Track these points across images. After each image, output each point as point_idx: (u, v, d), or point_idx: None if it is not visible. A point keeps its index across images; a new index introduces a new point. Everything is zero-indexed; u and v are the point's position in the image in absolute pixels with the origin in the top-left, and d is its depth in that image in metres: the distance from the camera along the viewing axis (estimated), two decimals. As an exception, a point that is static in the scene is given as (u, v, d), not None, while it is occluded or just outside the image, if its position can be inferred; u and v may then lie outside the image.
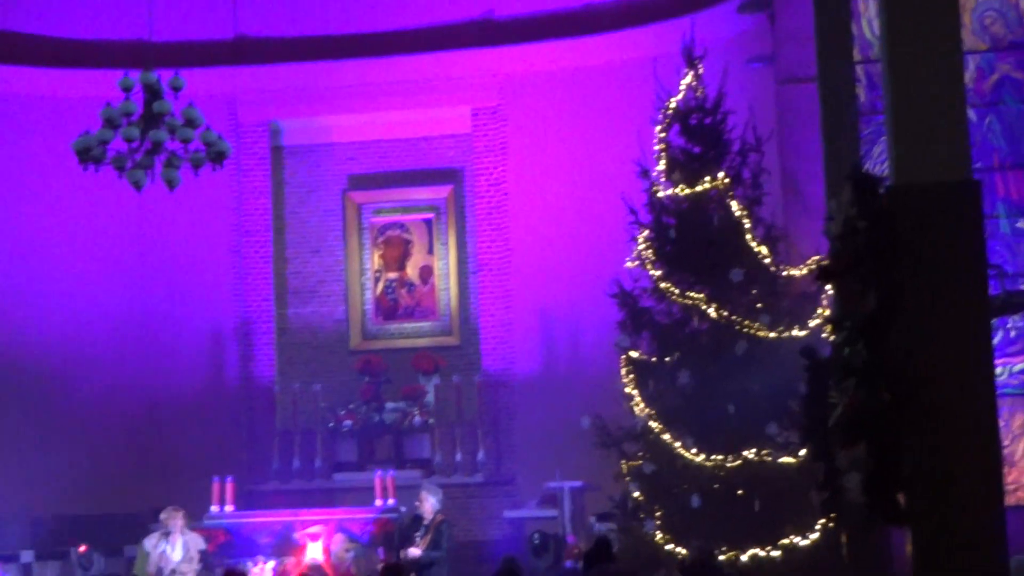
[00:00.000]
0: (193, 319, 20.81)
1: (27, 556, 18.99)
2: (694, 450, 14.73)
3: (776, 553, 14.28)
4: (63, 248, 20.42)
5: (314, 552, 16.71)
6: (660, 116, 15.84)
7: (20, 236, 20.36)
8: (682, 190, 15.54)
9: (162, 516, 16.06)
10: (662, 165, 15.75)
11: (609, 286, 15.85)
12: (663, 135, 15.81)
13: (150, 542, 16.04)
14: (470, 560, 17.31)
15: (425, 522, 15.26)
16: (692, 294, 15.21)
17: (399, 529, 16.20)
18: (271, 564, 16.60)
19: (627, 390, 15.39)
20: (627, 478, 15.41)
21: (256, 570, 16.35)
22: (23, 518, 19.16)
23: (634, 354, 15.52)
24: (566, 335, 19.94)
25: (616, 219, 16.42)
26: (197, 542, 15.99)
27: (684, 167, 15.65)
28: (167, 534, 15.87)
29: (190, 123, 12.75)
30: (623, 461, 15.45)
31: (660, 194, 15.75)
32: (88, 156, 12.61)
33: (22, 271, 20.29)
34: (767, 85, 17.94)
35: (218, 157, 12.84)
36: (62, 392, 20.02)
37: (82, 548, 18.03)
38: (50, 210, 20.34)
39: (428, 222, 21.44)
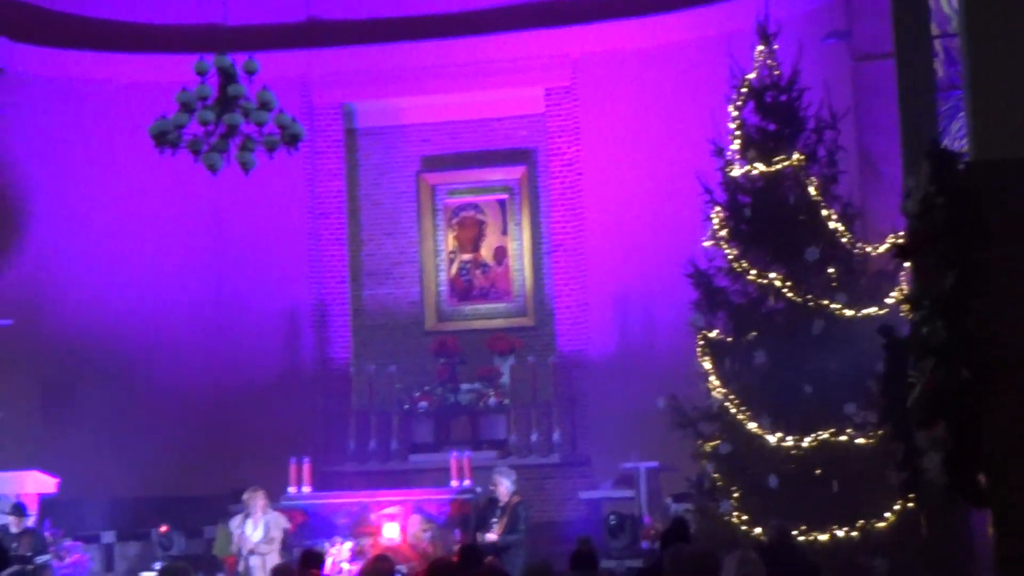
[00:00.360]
0: (269, 302, 20.94)
1: (108, 537, 19.23)
2: (771, 430, 14.64)
3: (854, 534, 14.17)
4: (141, 232, 20.60)
5: (391, 533, 16.78)
6: (734, 94, 15.71)
7: (100, 221, 20.56)
8: (757, 168, 15.41)
9: (244, 497, 16.21)
10: (737, 143, 15.62)
11: (684, 265, 15.76)
12: (738, 113, 15.68)
13: (234, 523, 16.18)
14: (545, 541, 17.29)
15: (500, 504, 15.32)
16: (768, 273, 15.09)
17: (475, 510, 16.25)
18: (348, 544, 16.69)
19: (703, 370, 15.32)
20: (703, 458, 15.34)
21: (333, 551, 16.43)
22: (105, 499, 19.38)
23: (710, 334, 15.43)
24: (641, 315, 19.87)
25: (691, 198, 16.31)
26: (280, 522, 16.09)
27: (759, 145, 15.52)
28: (248, 515, 15.99)
29: (264, 106, 12.79)
30: (699, 441, 15.37)
31: (735, 173, 15.63)
32: (164, 140, 12.68)
33: (102, 256, 20.49)
34: (843, 61, 17.77)
35: (292, 140, 12.88)
36: (142, 376, 20.22)
37: (163, 528, 18.22)
38: (128, 194, 20.53)
39: (502, 203, 21.43)
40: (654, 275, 19.00)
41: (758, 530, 14.16)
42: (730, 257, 15.37)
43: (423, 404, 20.40)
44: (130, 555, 19.16)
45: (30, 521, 16.64)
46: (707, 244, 15.65)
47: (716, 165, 15.79)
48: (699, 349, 15.41)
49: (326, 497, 18.07)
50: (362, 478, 19.50)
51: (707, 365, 15.28)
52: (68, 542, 17.69)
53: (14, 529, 16.08)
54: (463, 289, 21.47)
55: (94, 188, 20.59)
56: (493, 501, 15.54)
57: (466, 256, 21.51)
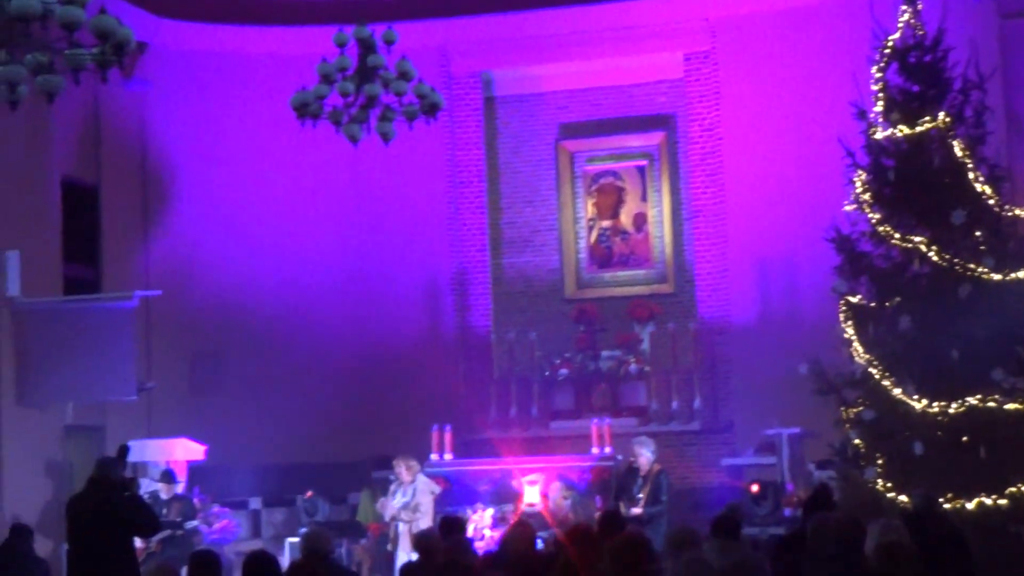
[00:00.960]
0: (410, 271, 21.09)
1: (255, 503, 19.56)
2: (916, 396, 14.43)
3: (1003, 502, 13.93)
4: (284, 203, 20.86)
5: (532, 498, 16.83)
6: (877, 55, 15.45)
7: (243, 193, 20.86)
8: (901, 131, 15.16)
9: (394, 463, 16.36)
10: (880, 105, 15.37)
11: (826, 230, 15.57)
12: (881, 75, 15.42)
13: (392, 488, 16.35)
14: (686, 508, 17.25)
15: (642, 474, 15.30)
16: (912, 237, 14.85)
17: (616, 478, 16.25)
18: (490, 511, 16.79)
19: (846, 336, 15.14)
20: (847, 425, 15.18)
21: (475, 517, 16.55)
22: (251, 467, 19.71)
23: (853, 299, 15.24)
24: (783, 280, 19.67)
25: (833, 162, 16.09)
26: (429, 487, 16.19)
27: (903, 107, 15.26)
28: (396, 481, 16.13)
29: (403, 76, 12.85)
30: (842, 408, 15.21)
31: (878, 135, 15.39)
32: (305, 112, 12.81)
33: (247, 227, 20.79)
34: (989, 19, 17.39)
35: (431, 109, 12.94)
36: (287, 345, 20.50)
37: (308, 494, 18.45)
38: (271, 166, 20.79)
39: (641, 169, 21.34)
40: (796, 240, 18.79)
41: (903, 497, 13.98)
42: (873, 221, 15.16)
43: (563, 371, 20.43)
44: (276, 521, 19.47)
45: (180, 488, 16.98)
46: (850, 208, 15.45)
47: (859, 128, 15.56)
48: (842, 315, 15.24)
49: (468, 464, 18.21)
50: (503, 445, 19.57)
51: (850, 331, 15.11)
52: (216, 508, 18.02)
53: (164, 495, 16.42)
54: (603, 256, 21.43)
55: (238, 160, 20.88)
56: (634, 470, 15.53)
57: (605, 223, 21.46)
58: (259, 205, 20.83)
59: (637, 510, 15.00)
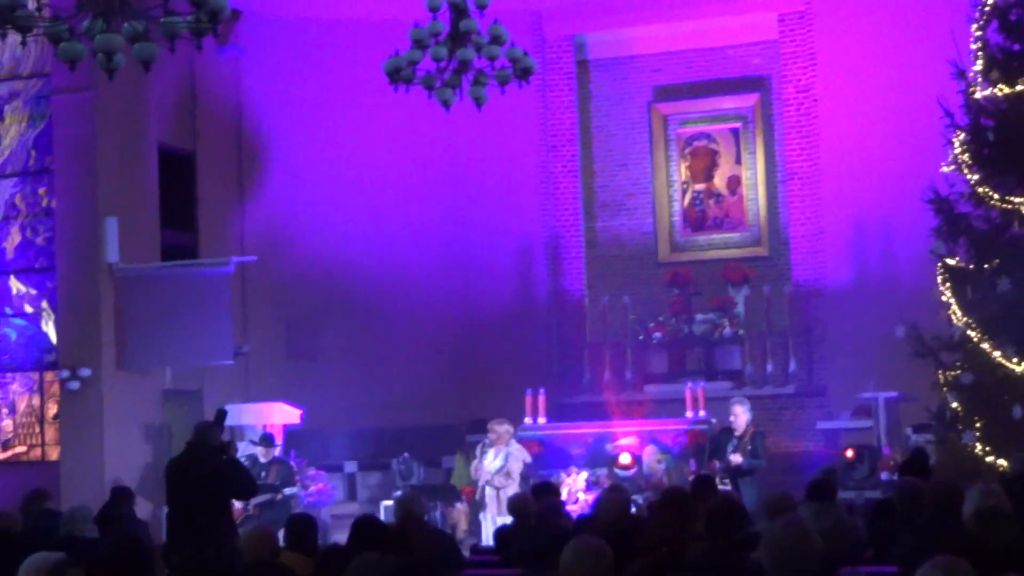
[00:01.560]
0: (504, 235, 21.11)
1: (351, 467, 19.71)
2: (1015, 359, 14.24)
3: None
4: (378, 169, 20.92)
5: (626, 463, 16.79)
6: (977, 12, 15.22)
7: (337, 158, 20.94)
8: (1001, 90, 14.94)
9: (488, 426, 16.40)
10: (979, 64, 15.16)
11: (924, 192, 15.39)
12: (980, 33, 15.19)
13: (477, 449, 16.39)
14: (780, 471, 17.14)
15: (738, 435, 15.22)
16: (1012, 198, 14.65)
17: (710, 441, 16.18)
18: (584, 475, 16.80)
19: (944, 299, 14.98)
20: (944, 388, 15.04)
21: (569, 480, 16.57)
22: (347, 431, 19.86)
23: (951, 261, 15.07)
24: (879, 243, 19.46)
25: (931, 123, 15.88)
26: (520, 455, 16.22)
27: (1003, 66, 15.03)
28: (489, 445, 16.17)
29: (496, 40, 12.82)
30: (940, 371, 15.07)
31: (977, 95, 15.18)
32: (398, 77, 12.83)
33: (341, 192, 20.88)
34: (1092, -25, 17.00)
35: (524, 73, 12.90)
36: (381, 310, 20.60)
37: (403, 456, 18.52)
38: (364, 131, 20.86)
39: (735, 132, 21.18)
40: (893, 202, 18.57)
41: (1001, 461, 13.83)
42: (972, 182, 14.97)
43: (657, 335, 20.37)
44: (371, 484, 19.61)
45: (277, 451, 17.15)
46: (948, 169, 15.27)
47: (958, 88, 15.36)
48: (940, 277, 15.08)
49: (561, 428, 18.22)
50: (597, 409, 19.58)
51: (948, 293, 14.94)
52: (312, 471, 18.20)
53: (263, 459, 16.58)
54: (696, 219, 21.32)
55: (331, 126, 20.97)
56: (729, 431, 15.44)
57: (699, 186, 21.34)
58: (353, 171, 20.91)
59: (737, 458, 14.85)
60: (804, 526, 6.12)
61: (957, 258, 15.11)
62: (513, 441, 16.29)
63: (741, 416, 15.32)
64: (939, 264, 15.10)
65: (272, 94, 21.01)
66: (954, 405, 14.79)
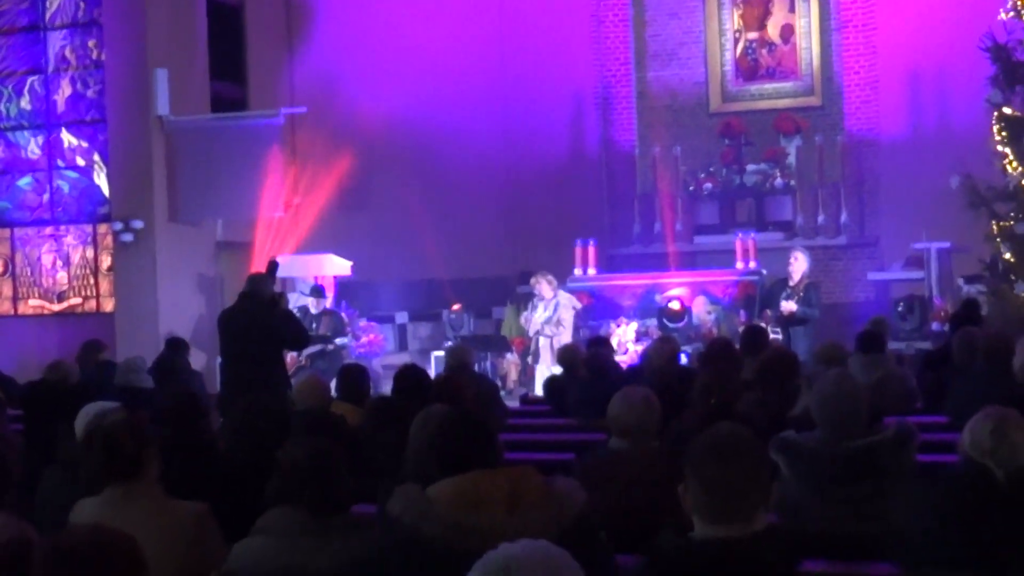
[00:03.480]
0: (553, 85, 20.95)
1: (402, 317, 19.85)
2: (1071, 209, 14.11)
3: None
4: (428, 20, 20.72)
5: (675, 308, 16.75)
6: None
7: (387, 9, 20.74)
8: (1062, -66, 14.59)
9: (531, 280, 16.45)
10: (1040, -92, 14.79)
11: (981, 40, 15.13)
12: None
13: (530, 305, 16.47)
14: (832, 322, 17.13)
15: (792, 284, 14.97)
16: (1072, 45, 14.39)
17: (761, 291, 16.12)
18: (634, 325, 16.85)
19: (999, 148, 14.80)
20: (997, 239, 14.93)
21: (619, 331, 16.63)
22: (398, 282, 19.98)
23: (1007, 111, 14.88)
24: (934, 92, 19.20)
25: (989, -32, 15.57)
26: (570, 302, 16.27)
27: (1064, -91, 14.66)
28: (540, 298, 16.24)
29: None
30: (993, 221, 14.95)
31: (1037, -61, 14.84)
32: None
33: (390, 45, 20.71)
34: None
35: (573, -80, 12.72)
36: (432, 162, 20.54)
37: (455, 307, 18.63)
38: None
39: (789, -22, 20.84)
40: (948, 50, 18.26)
41: (1055, 312, 13.76)
42: (1030, 29, 14.70)
43: (708, 186, 20.28)
44: (422, 335, 19.76)
45: (328, 302, 17.27)
46: (1006, 16, 14.98)
47: (1017, -68, 15.01)
48: (995, 127, 14.90)
49: (611, 279, 18.24)
50: (647, 260, 19.58)
51: (1003, 143, 14.76)
52: (364, 322, 18.34)
53: (314, 310, 16.72)
54: (748, 69, 21.07)
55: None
56: (783, 281, 15.19)
57: (752, 35, 21.05)
58: (402, 22, 20.72)
59: (791, 305, 14.59)
60: (854, 377, 6.13)
61: (1013, 107, 14.89)
62: (560, 291, 16.31)
63: (798, 264, 14.94)
64: (995, 113, 14.91)
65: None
66: (1007, 256, 14.71)
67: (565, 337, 15.65)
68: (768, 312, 15.04)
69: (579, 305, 16.52)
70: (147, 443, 5.46)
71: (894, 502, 5.58)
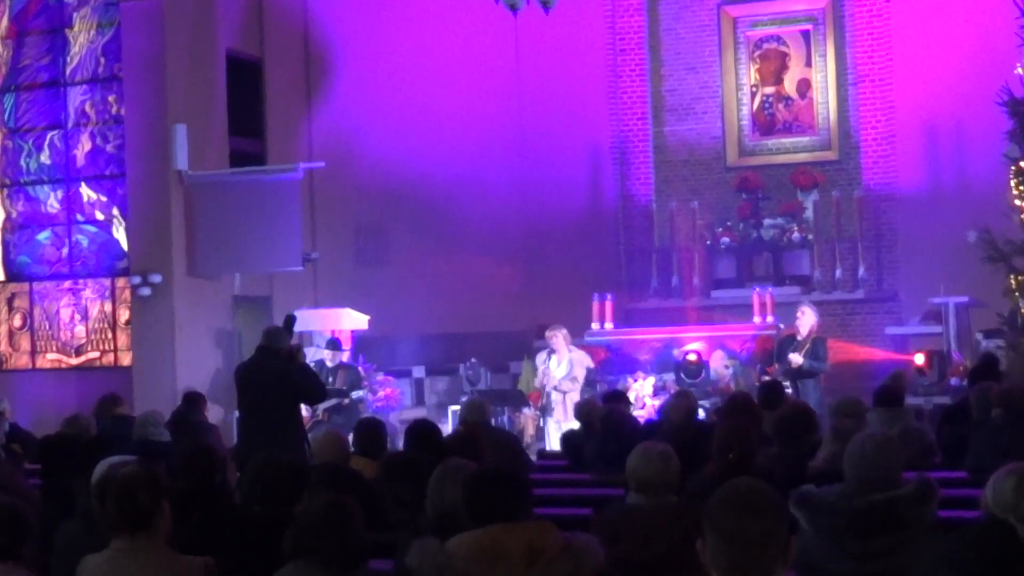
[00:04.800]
0: (572, 140, 21.01)
1: (419, 372, 19.81)
2: (1089, 264, 14.08)
3: None
4: (445, 74, 20.79)
5: (691, 358, 16.75)
6: (1054, -90, 14.89)
7: (404, 65, 20.81)
8: (1077, -11, 14.63)
9: (547, 334, 16.44)
10: (1056, -37, 14.84)
11: (998, 94, 15.15)
12: (1057, -69, 14.86)
13: (539, 359, 16.46)
14: (849, 377, 17.09)
15: (799, 338, 15.11)
16: (1088, 100, 14.40)
17: (778, 346, 16.11)
18: (651, 380, 16.82)
19: (1016, 203, 14.79)
20: (1016, 293, 14.89)
21: (636, 386, 16.60)
22: (415, 337, 19.95)
23: (1024, 164, 14.86)
24: (951, 146, 19.23)
25: (1006, 22, 15.63)
26: (583, 360, 16.27)
27: (1080, -36, 14.71)
28: (552, 351, 16.22)
29: (561, -58, 12.70)
30: (1012, 276, 14.91)
31: (1053, -6, 14.88)
32: (464, -19, 12.74)
33: (408, 99, 20.78)
34: None
35: (590, -24, 12.78)
36: (449, 215, 20.58)
37: (471, 361, 18.57)
38: (431, 37, 20.72)
39: (806, 34, 20.90)
40: (966, 105, 18.30)
41: (1074, 367, 13.70)
42: (1047, 84, 14.72)
43: (725, 240, 20.28)
44: (439, 389, 19.71)
45: (345, 356, 17.27)
46: (1023, 71, 15.00)
47: (1033, -13, 15.06)
48: (1013, 181, 14.88)
49: (629, 333, 18.23)
50: (664, 314, 19.57)
51: (1021, 197, 14.75)
52: (381, 377, 18.32)
53: (330, 364, 16.71)
54: (765, 123, 21.12)
55: (399, 32, 20.86)
56: (791, 336, 15.36)
57: (768, 89, 21.11)
58: (420, 77, 20.82)
59: (797, 357, 14.75)
60: (892, 440, 6.08)
61: (1030, 161, 14.90)
62: (573, 347, 16.33)
63: (805, 319, 15.17)
64: (1012, 167, 14.90)
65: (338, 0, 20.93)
66: (1025, 310, 14.66)
67: (575, 395, 15.66)
68: (776, 366, 15.12)
69: (592, 363, 16.52)
70: (161, 495, 5.45)
71: (914, 557, 5.54)
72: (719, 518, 3.84)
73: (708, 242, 20.35)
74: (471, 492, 4.95)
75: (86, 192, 19.35)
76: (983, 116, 16.46)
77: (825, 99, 20.70)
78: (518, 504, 4.69)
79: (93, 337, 19.29)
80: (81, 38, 19.43)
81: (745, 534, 3.80)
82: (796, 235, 19.95)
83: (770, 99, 21.07)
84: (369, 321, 18.59)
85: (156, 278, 18.03)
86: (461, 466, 5.82)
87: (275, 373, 10.90)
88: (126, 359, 18.86)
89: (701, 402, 13.31)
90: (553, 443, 14.94)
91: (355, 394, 16.51)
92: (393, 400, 18.19)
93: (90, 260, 19.36)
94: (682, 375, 16.56)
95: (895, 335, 18.56)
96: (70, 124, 19.45)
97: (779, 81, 21.03)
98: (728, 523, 3.82)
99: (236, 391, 11.45)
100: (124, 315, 18.98)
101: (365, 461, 8.31)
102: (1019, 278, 14.81)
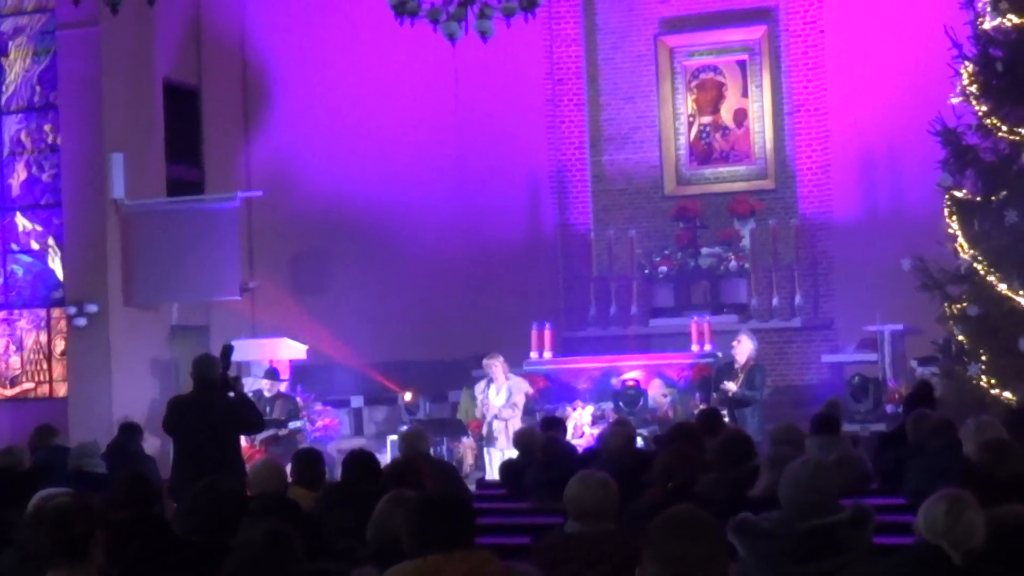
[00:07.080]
0: (510, 169, 21.03)
1: (357, 401, 19.76)
2: (1022, 292, 14.22)
3: (1112, 398, 13.75)
4: (383, 103, 20.82)
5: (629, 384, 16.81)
6: (985, -57, 15.07)
7: (343, 93, 20.85)
8: (1010, 20, 14.83)
9: (484, 362, 16.43)
10: (987, -6, 15.02)
11: (931, 124, 15.31)
12: (988, -37, 15.05)
13: (477, 388, 16.44)
14: (787, 404, 17.20)
15: (737, 366, 15.24)
16: (1020, 129, 14.57)
17: (716, 374, 16.20)
18: (590, 409, 16.83)
19: (950, 231, 14.93)
20: (950, 321, 15.03)
21: (575, 415, 16.60)
22: (353, 366, 19.89)
23: (958, 194, 15.02)
24: (886, 175, 19.41)
25: (938, 53, 15.76)
26: (521, 387, 16.27)
27: (1012, -5, 14.89)
28: (491, 380, 16.21)
29: (500, -28, 12.72)
30: (946, 304, 15.05)
31: (986, 25, 15.06)
32: (403, 10, 12.72)
33: (346, 127, 20.79)
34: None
35: (530, 5, 12.78)
36: (387, 245, 20.57)
37: (408, 396, 18.48)
38: (369, 65, 20.75)
39: (742, 64, 21.05)
40: (900, 134, 18.48)
41: (1007, 394, 13.83)
42: (980, 113, 14.89)
43: (663, 268, 20.35)
44: (378, 419, 19.66)
45: (283, 386, 17.19)
46: (956, 101, 15.18)
47: (966, 18, 15.24)
48: (947, 209, 15.03)
49: (567, 362, 18.25)
50: (603, 343, 19.61)
51: (955, 226, 14.90)
52: (319, 406, 18.25)
53: (268, 393, 16.63)
54: (703, 152, 21.24)
55: (336, 60, 20.88)
56: (730, 364, 15.48)
57: (706, 119, 21.24)
58: (358, 105, 20.83)
59: (731, 385, 14.90)
60: (828, 468, 6.10)
61: (964, 190, 15.05)
62: (511, 374, 16.34)
63: (742, 347, 15.33)
64: (946, 196, 15.05)
65: (277, 27, 20.93)
66: (960, 338, 14.79)
67: (516, 422, 15.66)
68: (714, 395, 15.24)
69: (530, 389, 16.53)
70: (96, 525, 5.40)
71: (852, 583, 5.57)
72: (658, 543, 3.85)
73: (646, 271, 20.41)
74: (417, 519, 4.94)
75: (21, 222, 19.19)
76: (917, 145, 16.62)
77: (762, 128, 20.86)
78: (464, 530, 4.68)
79: (28, 368, 19.10)
80: (17, 66, 19.30)
81: (684, 560, 3.81)
82: (733, 263, 20.05)
83: (707, 128, 21.20)
84: (307, 350, 18.52)
85: (92, 308, 17.90)
86: (410, 496, 5.80)
87: (212, 404, 10.80)
88: (61, 390, 18.70)
89: (640, 430, 13.35)
90: (494, 472, 14.91)
91: (293, 424, 16.43)
92: (331, 430, 18.11)
93: (25, 290, 19.19)
94: (621, 403, 16.59)
95: (832, 362, 18.69)
96: (5, 153, 19.31)
97: (716, 110, 21.17)
98: (667, 548, 3.83)
99: (170, 423, 11.22)
100: (60, 345, 18.83)
101: (303, 491, 8.26)
102: (953, 306, 14.95)
